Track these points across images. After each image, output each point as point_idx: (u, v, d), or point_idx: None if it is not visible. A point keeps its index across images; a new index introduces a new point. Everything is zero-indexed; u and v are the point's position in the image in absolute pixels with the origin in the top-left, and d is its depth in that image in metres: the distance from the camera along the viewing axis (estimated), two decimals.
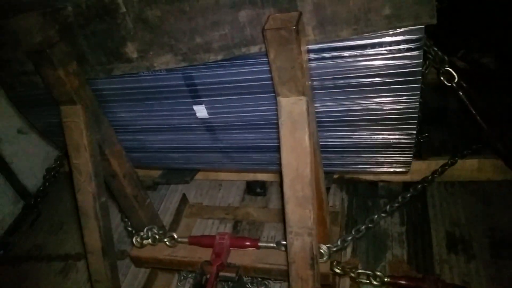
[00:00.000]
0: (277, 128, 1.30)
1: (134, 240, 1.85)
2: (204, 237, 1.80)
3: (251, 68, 1.32)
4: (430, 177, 1.93)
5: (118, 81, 1.51)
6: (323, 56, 1.24)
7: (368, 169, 1.71)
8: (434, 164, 2.05)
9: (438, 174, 1.95)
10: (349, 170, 1.73)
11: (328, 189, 2.36)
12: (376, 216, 1.77)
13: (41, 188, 2.69)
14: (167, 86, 1.46)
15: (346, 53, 1.22)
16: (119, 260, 2.10)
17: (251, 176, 2.41)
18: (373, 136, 1.47)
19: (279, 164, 1.31)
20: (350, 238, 1.69)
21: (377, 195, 2.27)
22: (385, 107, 1.33)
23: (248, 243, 1.72)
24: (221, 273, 1.71)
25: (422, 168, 2.08)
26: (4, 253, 2.44)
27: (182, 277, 2.07)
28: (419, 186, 1.88)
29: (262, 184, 2.44)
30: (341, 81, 1.30)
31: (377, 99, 1.32)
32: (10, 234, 2.55)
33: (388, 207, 1.83)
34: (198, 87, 1.43)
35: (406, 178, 2.12)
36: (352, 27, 1.16)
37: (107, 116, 1.61)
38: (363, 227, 1.72)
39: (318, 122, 1.43)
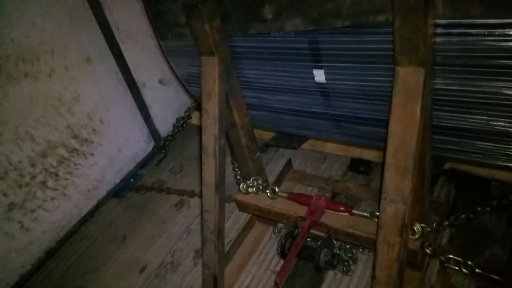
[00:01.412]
0: (390, 100, 1.36)
1: (241, 186, 2.07)
2: (302, 195, 1.94)
3: (374, 37, 1.39)
4: None
5: (251, 40, 1.70)
6: (449, 32, 1.26)
7: (480, 160, 1.66)
8: None
9: None
10: (460, 158, 1.69)
11: (436, 177, 2.32)
12: (479, 208, 1.72)
13: (170, 134, 3.12)
14: (293, 48, 1.61)
15: (473, 31, 1.22)
16: (226, 202, 2.37)
17: (357, 153, 2.47)
18: (490, 122, 1.44)
19: (386, 141, 1.38)
20: (447, 223, 1.69)
21: (488, 194, 2.16)
22: (508, 92, 1.30)
23: (342, 208, 1.81)
24: (312, 231, 1.85)
25: None
26: (134, 181, 2.90)
27: (276, 230, 2.27)
28: None
29: (367, 164, 2.48)
30: (465, 60, 1.30)
31: (500, 83, 1.29)
32: (140, 167, 3.00)
33: (495, 202, 1.77)
34: (321, 52, 1.55)
35: None
36: (484, 5, 1.15)
37: (236, 71, 1.83)
38: (463, 215, 1.69)
39: (434, 99, 1.45)
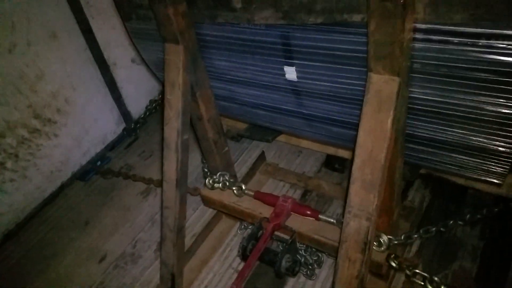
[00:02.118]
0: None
1: (206, 181, 1.97)
2: (269, 195, 1.84)
3: (348, 37, 1.26)
4: None
5: (219, 29, 1.56)
6: (429, 38, 1.14)
7: (456, 172, 1.57)
8: None
9: None
10: (435, 168, 1.60)
11: (411, 183, 2.24)
12: (451, 222, 1.65)
13: (142, 116, 2.98)
14: (263, 42, 1.47)
15: (455, 40, 1.10)
16: (192, 195, 2.27)
17: (332, 150, 2.37)
18: (468, 137, 1.34)
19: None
20: (416, 236, 1.61)
21: (463, 202, 2.09)
22: (489, 108, 1.20)
23: (308, 212, 1.72)
24: (277, 233, 1.76)
25: None
26: (100, 165, 2.77)
27: (243, 226, 2.19)
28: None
29: (342, 161, 2.38)
30: (445, 69, 1.18)
31: (482, 97, 1.18)
32: (109, 150, 2.87)
33: (468, 216, 1.69)
34: (293, 48, 1.42)
35: (502, 191, 1.91)
36: (469, 11, 1.03)
37: (204, 61, 1.69)
38: (434, 229, 1.62)
39: (410, 108, 1.35)
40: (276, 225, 1.71)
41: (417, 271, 1.63)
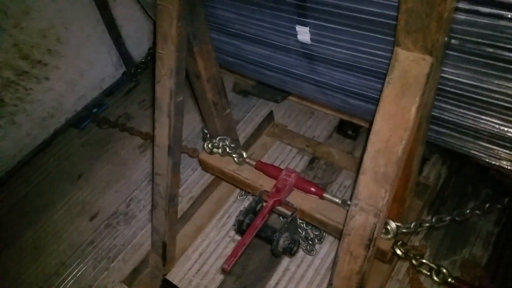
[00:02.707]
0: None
1: (205, 145, 1.80)
2: (271, 167, 1.67)
3: None
4: None
5: None
6: (477, 9, 0.90)
7: (482, 159, 1.39)
8: None
9: None
10: (460, 152, 1.42)
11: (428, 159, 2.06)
12: (468, 211, 1.48)
13: (144, 60, 2.75)
14: None
15: (510, 15, 0.87)
16: (191, 157, 2.12)
17: (347, 116, 2.17)
18: (502, 127, 1.14)
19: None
20: (427, 225, 1.46)
21: (483, 183, 1.91)
22: None
23: (312, 189, 1.57)
24: (278, 207, 1.63)
25: None
26: (97, 112, 2.60)
27: (243, 193, 2.06)
28: None
29: (356, 128, 2.18)
30: (490, 49, 0.96)
31: None
32: (107, 96, 2.69)
33: (487, 205, 1.52)
34: (308, 5, 1.18)
35: None
36: None
37: (205, 9, 1.45)
38: (448, 218, 1.45)
39: (440, 89, 1.14)
40: (276, 201, 1.57)
41: (424, 261, 1.51)
